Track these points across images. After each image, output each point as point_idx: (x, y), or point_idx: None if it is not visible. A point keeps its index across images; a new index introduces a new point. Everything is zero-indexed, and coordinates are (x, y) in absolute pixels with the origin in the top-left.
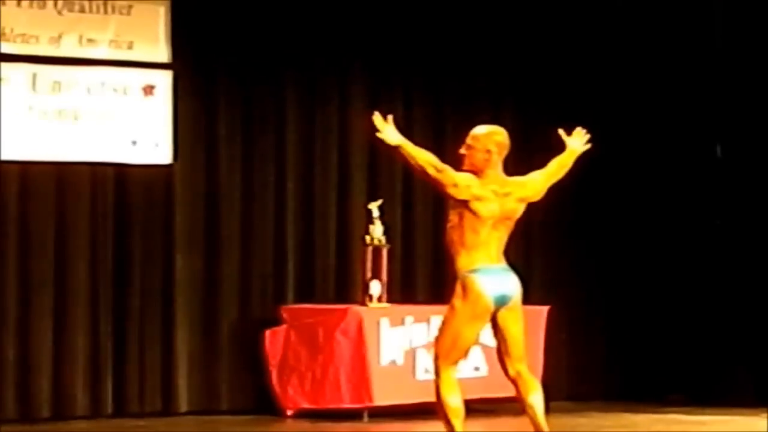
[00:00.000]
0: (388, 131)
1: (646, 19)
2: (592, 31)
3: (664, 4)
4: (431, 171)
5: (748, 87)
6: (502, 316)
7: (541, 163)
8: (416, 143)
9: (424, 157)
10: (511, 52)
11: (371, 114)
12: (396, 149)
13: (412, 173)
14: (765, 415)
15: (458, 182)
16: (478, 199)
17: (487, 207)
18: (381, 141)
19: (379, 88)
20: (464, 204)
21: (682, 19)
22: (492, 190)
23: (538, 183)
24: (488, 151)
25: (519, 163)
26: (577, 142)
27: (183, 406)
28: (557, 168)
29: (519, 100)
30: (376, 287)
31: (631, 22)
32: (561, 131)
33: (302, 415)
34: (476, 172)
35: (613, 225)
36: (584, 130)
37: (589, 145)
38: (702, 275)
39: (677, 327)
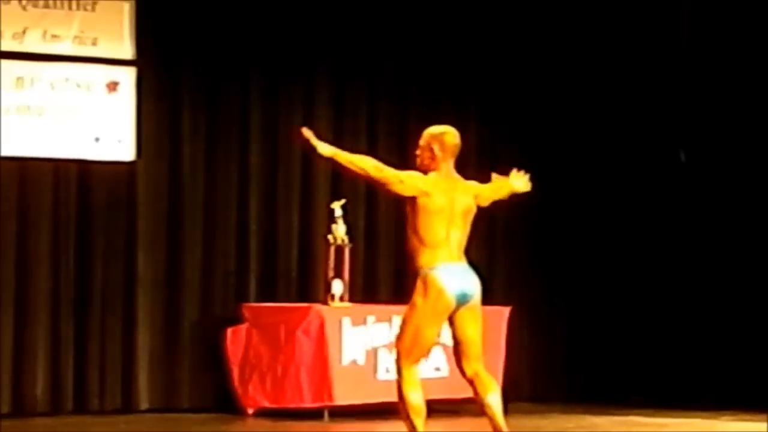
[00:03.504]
0: (317, 143)
1: (611, 26)
2: (557, 36)
3: (629, 10)
4: (374, 172)
5: (712, 92)
6: (461, 316)
7: (502, 170)
8: (380, 144)
9: (363, 160)
10: (475, 58)
11: (336, 113)
12: (330, 160)
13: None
14: (725, 418)
15: (403, 179)
16: (426, 194)
17: (436, 201)
18: (313, 153)
19: (343, 87)
20: (414, 201)
21: (647, 25)
22: (441, 187)
23: (484, 190)
24: (431, 150)
25: (481, 168)
26: (520, 182)
27: (144, 404)
28: (493, 190)
29: (482, 105)
30: (338, 286)
31: (596, 28)
32: (494, 175)
33: (263, 414)
34: (426, 172)
35: (577, 227)
36: (523, 173)
37: (529, 187)
38: (664, 279)
39: (639, 329)
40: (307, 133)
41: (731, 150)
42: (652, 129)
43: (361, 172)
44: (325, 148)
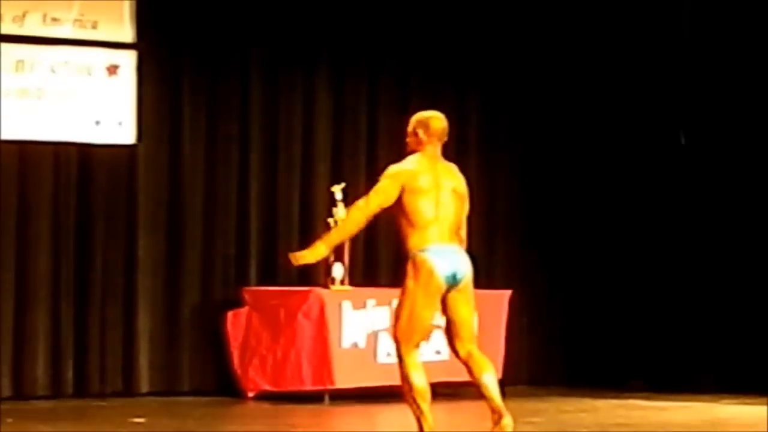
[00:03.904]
0: (311, 255)
1: (611, 10)
2: (558, 18)
3: None
4: (367, 211)
5: (713, 74)
6: (452, 297)
7: (505, 153)
8: (380, 133)
9: (350, 215)
10: (476, 41)
11: (336, 97)
12: (333, 246)
13: (375, 157)
14: (724, 401)
15: (381, 188)
16: (408, 177)
17: (420, 181)
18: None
19: (343, 72)
20: (402, 191)
21: (648, 8)
22: (424, 166)
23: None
24: (416, 134)
25: (483, 154)
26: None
27: (144, 387)
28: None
29: (483, 87)
30: (338, 270)
31: (597, 10)
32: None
33: (263, 397)
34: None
35: (577, 212)
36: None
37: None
38: (664, 263)
39: (638, 312)
40: (295, 258)
41: (731, 133)
42: (652, 112)
43: (360, 223)
44: (321, 250)
